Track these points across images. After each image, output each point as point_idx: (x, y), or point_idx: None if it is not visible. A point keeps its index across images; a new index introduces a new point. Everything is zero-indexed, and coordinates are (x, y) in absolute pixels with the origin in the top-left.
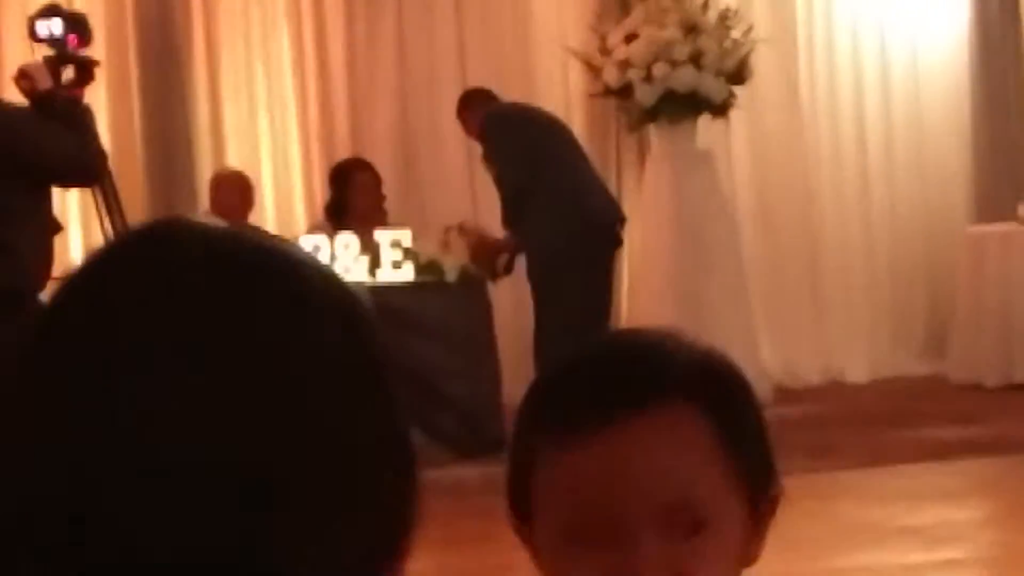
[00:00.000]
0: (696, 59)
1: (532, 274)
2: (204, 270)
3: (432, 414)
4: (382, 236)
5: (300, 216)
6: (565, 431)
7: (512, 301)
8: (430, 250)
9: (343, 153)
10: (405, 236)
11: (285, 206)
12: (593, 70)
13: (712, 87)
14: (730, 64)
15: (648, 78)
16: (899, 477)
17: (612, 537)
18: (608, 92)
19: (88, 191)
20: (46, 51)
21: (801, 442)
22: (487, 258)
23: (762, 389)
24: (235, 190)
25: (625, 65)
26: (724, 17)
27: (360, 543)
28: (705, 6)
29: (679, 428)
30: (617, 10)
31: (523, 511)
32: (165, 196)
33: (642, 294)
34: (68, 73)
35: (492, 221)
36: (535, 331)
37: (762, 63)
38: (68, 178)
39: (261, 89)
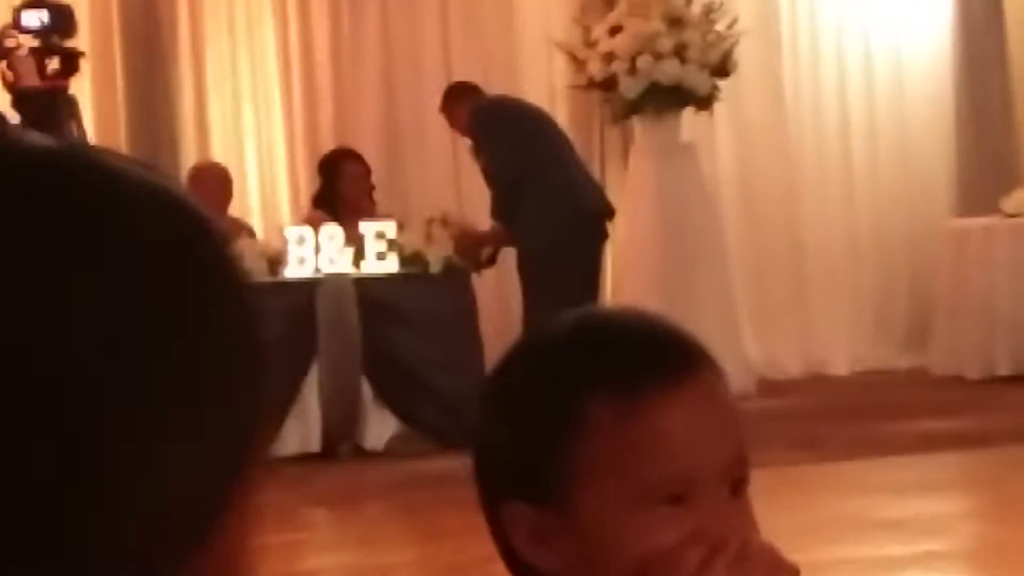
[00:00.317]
0: (680, 52)
1: (523, 266)
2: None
3: (416, 405)
4: (366, 228)
5: (285, 207)
6: (628, 393)
7: (497, 293)
8: (415, 241)
9: (328, 144)
10: (389, 227)
11: (270, 197)
12: (577, 62)
13: (696, 80)
14: (714, 57)
15: (632, 70)
16: (881, 469)
17: (691, 495)
18: (592, 84)
19: None
20: (31, 41)
21: (783, 434)
22: (470, 250)
23: (745, 381)
24: (214, 182)
25: (609, 57)
26: (708, 10)
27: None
28: None
29: (723, 387)
30: (601, 3)
31: (542, 492)
32: None
33: (626, 286)
34: (54, 64)
35: (477, 213)
36: (524, 323)
37: (746, 56)
38: None
39: (246, 80)
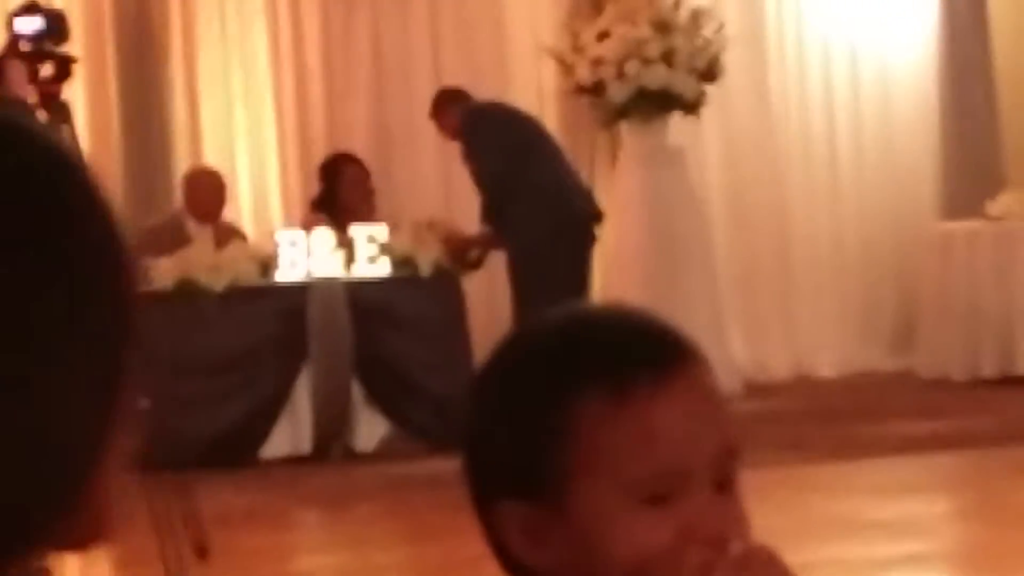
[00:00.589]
0: (668, 57)
1: (513, 269)
2: None
3: (406, 407)
4: (357, 231)
5: (276, 211)
6: (618, 386)
7: (487, 295)
8: (405, 245)
9: (319, 149)
10: (380, 231)
11: (261, 201)
12: (566, 68)
13: (683, 85)
14: (701, 62)
15: (620, 76)
16: (867, 471)
17: (676, 492)
18: (581, 89)
19: None
20: (24, 46)
21: (770, 436)
22: (456, 253)
23: (732, 383)
24: (208, 188)
25: (598, 63)
26: (695, 15)
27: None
28: (677, 5)
29: (712, 383)
30: (590, 8)
31: (534, 488)
32: (142, 191)
33: (615, 289)
34: (47, 70)
35: (467, 216)
36: (513, 325)
37: (733, 61)
38: None
39: (238, 85)
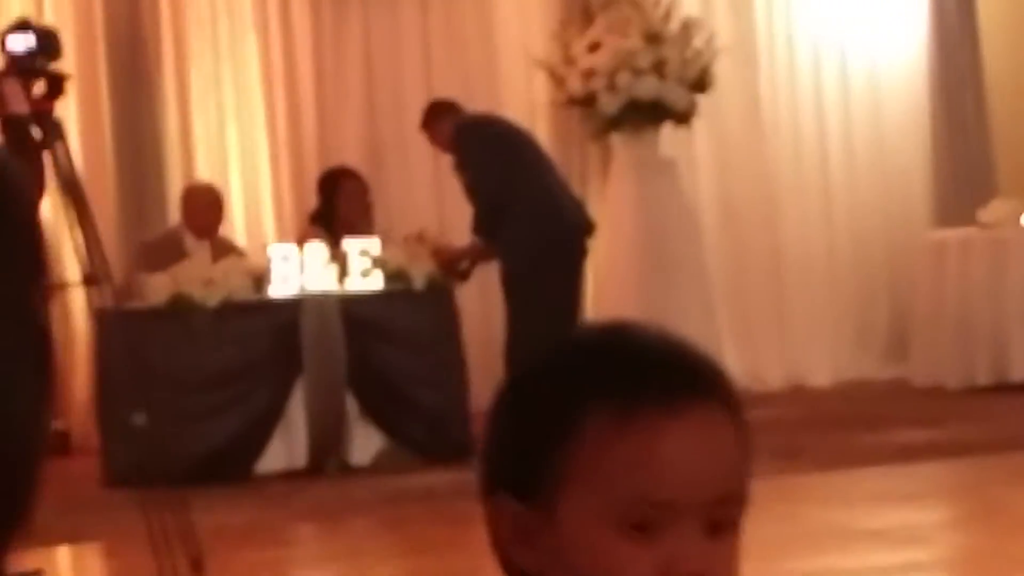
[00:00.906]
0: (659, 68)
1: (506, 282)
2: None
3: (400, 420)
4: (350, 245)
5: (269, 225)
6: (626, 408)
7: (480, 309)
8: (398, 258)
9: (311, 163)
10: (373, 245)
11: (254, 215)
12: (557, 79)
13: (675, 96)
14: (692, 73)
15: (611, 87)
16: (862, 480)
17: (661, 526)
18: (572, 101)
19: (59, 202)
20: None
21: (765, 446)
22: (445, 265)
23: None
24: (206, 203)
25: (588, 74)
26: (686, 26)
27: None
28: (667, 16)
29: (725, 424)
30: (580, 20)
31: (531, 490)
32: (135, 206)
33: (607, 300)
34: (39, 87)
35: (459, 229)
36: (507, 338)
37: (724, 72)
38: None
39: (230, 100)
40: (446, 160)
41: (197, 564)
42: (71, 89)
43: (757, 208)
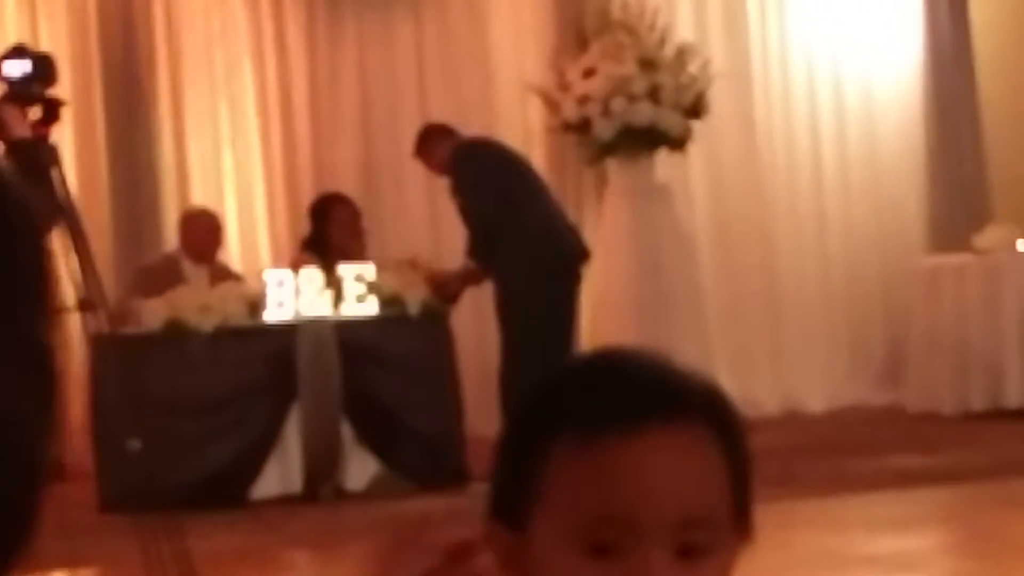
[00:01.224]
0: (653, 94)
1: (501, 307)
2: None
3: (395, 446)
4: (345, 270)
5: (264, 251)
6: (587, 432)
7: (475, 334)
8: (393, 284)
9: (307, 188)
10: (368, 270)
11: (249, 241)
12: (552, 105)
13: (669, 121)
14: (687, 99)
15: (606, 113)
16: (857, 505)
17: (624, 548)
18: (567, 127)
19: (54, 228)
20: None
21: (760, 471)
22: (436, 289)
23: None
24: (204, 228)
25: (583, 100)
26: (681, 52)
27: None
28: (662, 42)
29: (701, 447)
30: (575, 46)
31: (515, 517)
32: (131, 232)
33: (602, 326)
34: (35, 113)
35: (454, 254)
36: (502, 363)
37: (718, 97)
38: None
39: (225, 127)
40: (441, 186)
41: None
42: (67, 115)
43: (751, 234)
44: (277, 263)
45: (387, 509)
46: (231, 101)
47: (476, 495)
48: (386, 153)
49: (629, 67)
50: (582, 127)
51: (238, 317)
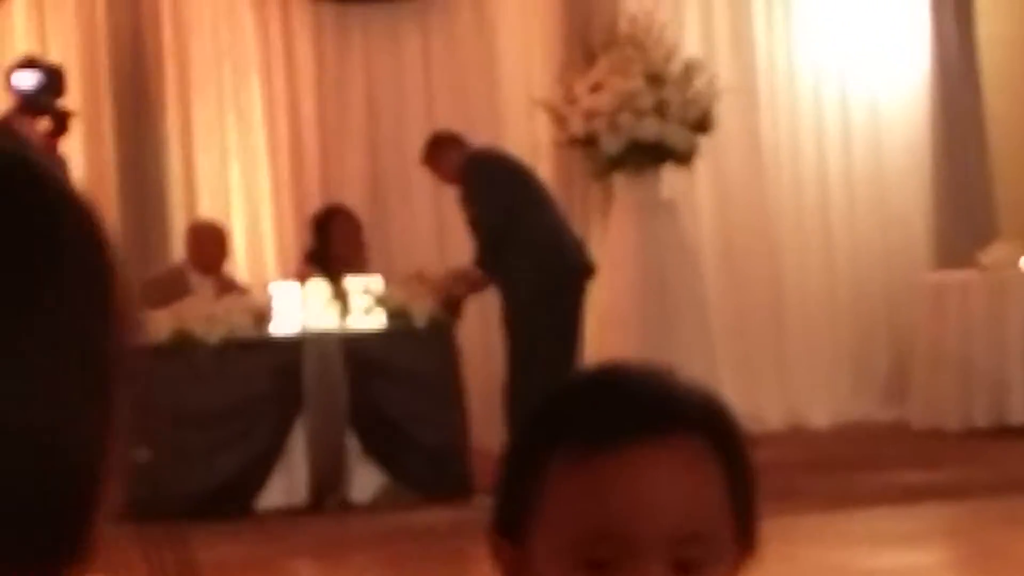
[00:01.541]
0: (660, 109)
1: (507, 320)
2: None
3: (401, 458)
4: (352, 283)
5: (271, 263)
6: (584, 447)
7: (481, 346)
8: (400, 296)
9: (314, 201)
10: (375, 283)
11: (256, 253)
12: (559, 119)
13: (676, 136)
14: (694, 114)
15: (613, 127)
16: (861, 521)
17: (621, 564)
18: (574, 141)
19: None
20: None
21: (764, 486)
22: (441, 298)
23: None
24: (211, 240)
25: (590, 115)
26: (688, 68)
27: None
28: (669, 57)
29: (697, 462)
30: (582, 60)
31: (516, 532)
32: (138, 243)
33: (608, 340)
34: (44, 124)
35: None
36: (508, 374)
37: (725, 113)
38: None
39: (233, 139)
40: (448, 197)
41: None
42: (75, 126)
43: (757, 249)
44: (284, 275)
45: (392, 521)
46: (239, 113)
47: (481, 507)
48: (393, 165)
49: (636, 82)
50: (589, 141)
51: (244, 329)
